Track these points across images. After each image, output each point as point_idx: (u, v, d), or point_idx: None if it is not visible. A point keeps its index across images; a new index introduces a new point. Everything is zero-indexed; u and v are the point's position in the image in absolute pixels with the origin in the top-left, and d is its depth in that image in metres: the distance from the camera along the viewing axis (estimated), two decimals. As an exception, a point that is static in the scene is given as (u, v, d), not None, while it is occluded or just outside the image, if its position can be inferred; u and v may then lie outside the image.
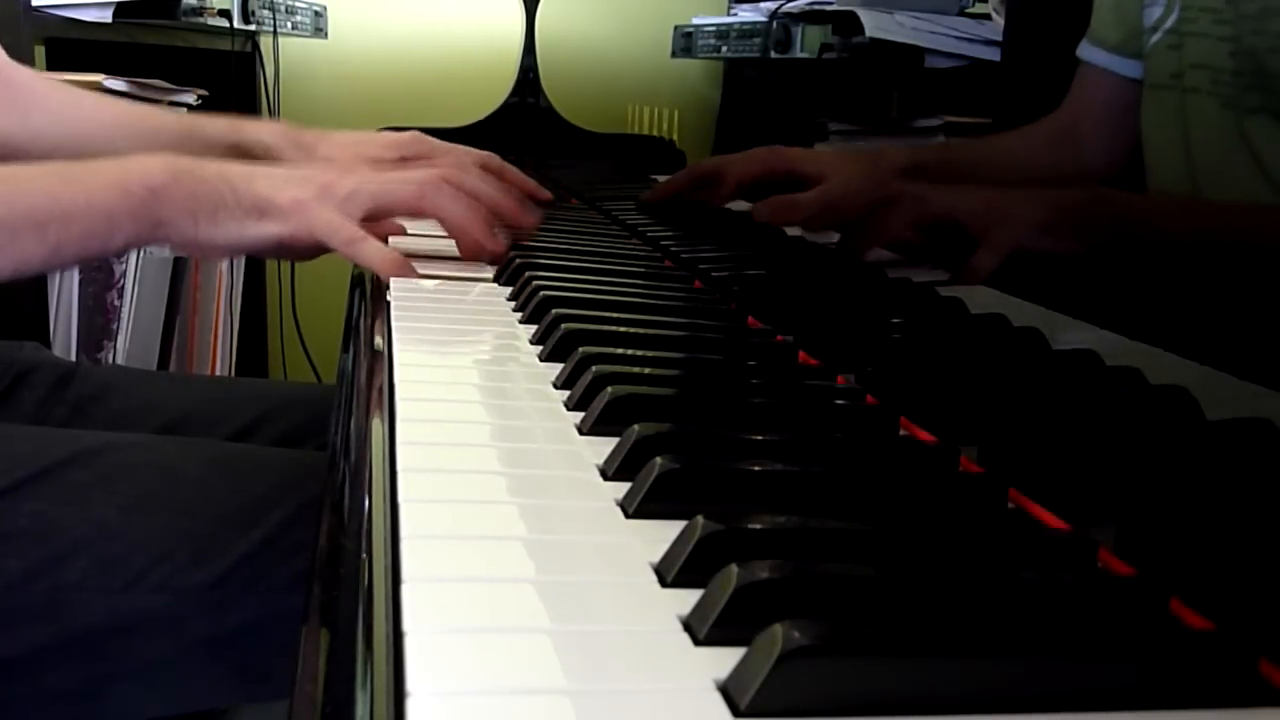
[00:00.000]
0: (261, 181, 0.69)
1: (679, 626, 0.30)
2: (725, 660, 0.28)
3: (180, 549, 0.67)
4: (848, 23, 1.55)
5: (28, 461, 0.68)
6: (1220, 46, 0.91)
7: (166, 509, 0.69)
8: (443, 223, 0.76)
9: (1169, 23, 0.97)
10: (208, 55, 1.90)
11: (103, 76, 1.45)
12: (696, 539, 0.32)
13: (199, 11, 1.64)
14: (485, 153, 0.95)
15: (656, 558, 0.33)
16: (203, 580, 0.67)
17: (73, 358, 1.52)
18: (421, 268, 0.72)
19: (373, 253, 0.70)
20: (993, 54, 1.51)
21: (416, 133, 0.95)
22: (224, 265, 1.85)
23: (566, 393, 0.49)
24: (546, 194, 0.99)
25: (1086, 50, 1.09)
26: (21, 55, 1.27)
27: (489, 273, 0.75)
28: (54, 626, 0.66)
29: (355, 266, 0.78)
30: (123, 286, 1.59)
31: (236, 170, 0.70)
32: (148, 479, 0.70)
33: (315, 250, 0.72)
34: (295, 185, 0.70)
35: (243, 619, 0.68)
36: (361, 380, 0.53)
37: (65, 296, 1.54)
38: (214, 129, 0.92)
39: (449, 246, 0.78)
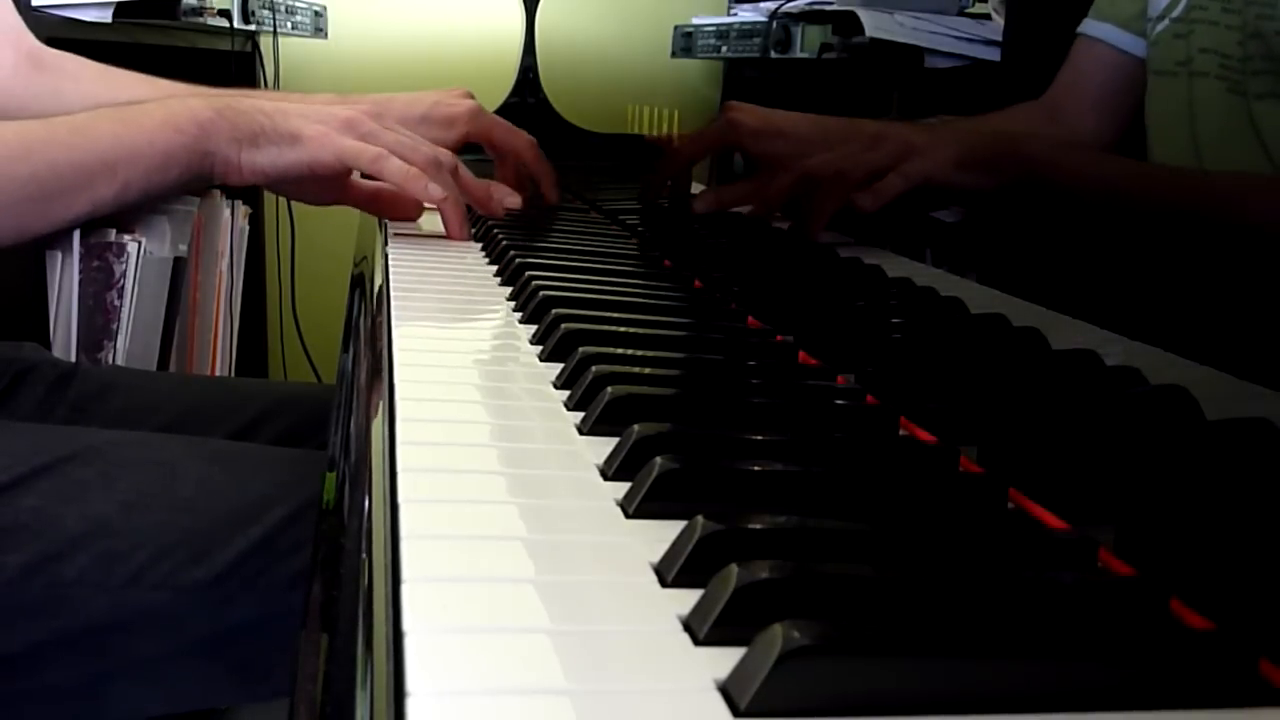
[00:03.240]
0: (293, 117, 0.79)
1: (679, 626, 0.30)
2: (725, 660, 0.28)
3: (180, 546, 0.67)
4: (848, 23, 1.55)
5: (28, 457, 0.68)
6: (1229, 34, 0.91)
7: (167, 506, 0.69)
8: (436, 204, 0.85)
9: (1176, 11, 0.98)
10: (208, 55, 1.89)
11: (103, 76, 1.45)
12: (696, 539, 0.32)
13: (199, 11, 1.64)
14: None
15: (656, 558, 0.33)
16: (203, 578, 0.67)
17: (72, 358, 1.52)
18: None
19: (395, 168, 0.80)
20: (993, 54, 1.50)
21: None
22: (224, 265, 1.85)
23: (566, 393, 0.49)
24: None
25: (1091, 25, 1.09)
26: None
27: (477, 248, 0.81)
28: (54, 623, 0.66)
29: (355, 266, 0.78)
30: (123, 286, 1.59)
31: (269, 105, 0.79)
32: (148, 476, 0.70)
33: (335, 182, 0.83)
34: (320, 119, 0.79)
35: (242, 617, 0.68)
36: (361, 380, 0.53)
37: (65, 296, 1.54)
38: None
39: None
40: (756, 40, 1.79)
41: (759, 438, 0.42)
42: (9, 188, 0.69)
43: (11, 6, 0.97)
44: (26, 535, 0.66)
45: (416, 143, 0.82)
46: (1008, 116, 1.12)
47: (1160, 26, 1.00)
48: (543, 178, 1.02)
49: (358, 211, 0.92)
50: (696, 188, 1.15)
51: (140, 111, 0.75)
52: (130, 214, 1.59)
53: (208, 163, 0.76)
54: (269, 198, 2.07)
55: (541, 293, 0.63)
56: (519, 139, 1.00)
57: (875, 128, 0.99)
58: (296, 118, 0.78)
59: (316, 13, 2.07)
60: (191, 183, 0.78)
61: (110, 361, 1.58)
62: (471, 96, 1.00)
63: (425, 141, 0.84)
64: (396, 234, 0.84)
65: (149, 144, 0.73)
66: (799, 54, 1.68)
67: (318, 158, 0.78)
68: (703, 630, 0.29)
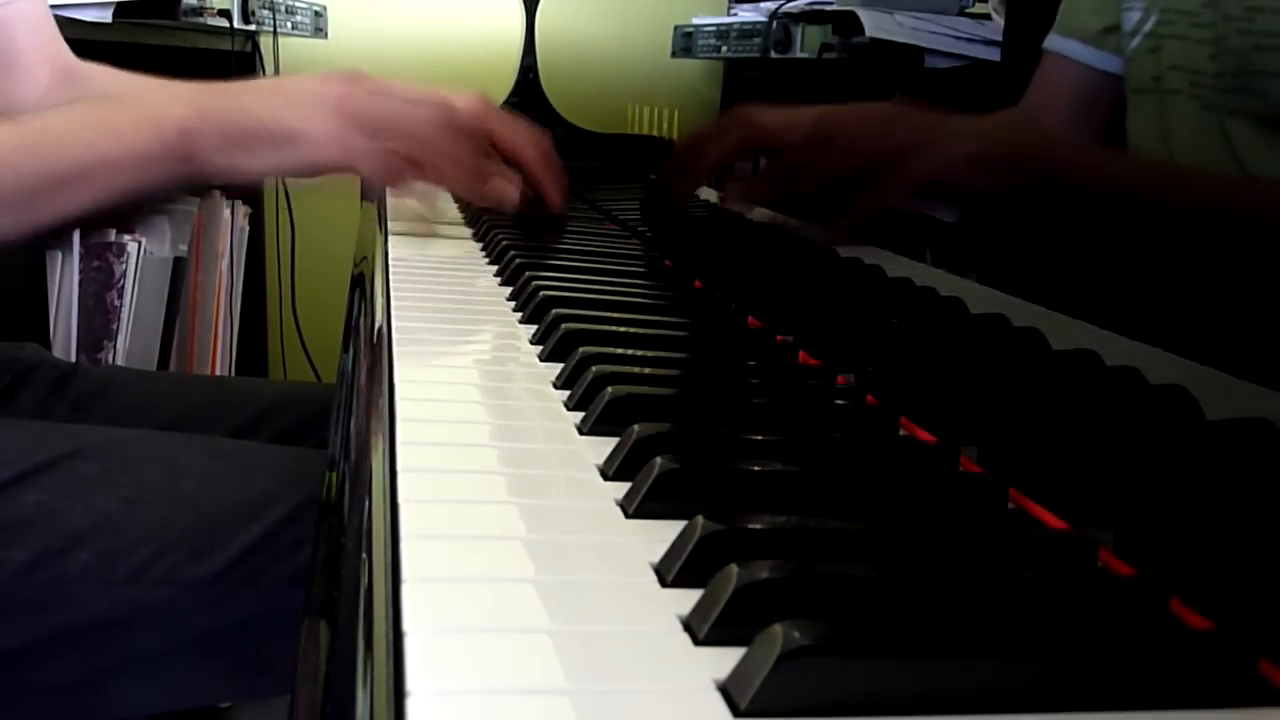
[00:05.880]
0: (285, 110, 0.73)
1: (679, 626, 0.30)
2: (725, 660, 0.28)
3: (182, 542, 0.67)
4: (848, 23, 1.55)
5: (30, 453, 0.69)
6: (1200, 49, 0.90)
7: (169, 502, 0.69)
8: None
9: (1147, 26, 0.97)
10: (208, 55, 1.90)
11: (103, 76, 1.45)
12: (696, 539, 0.32)
13: (199, 11, 1.64)
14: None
15: (656, 558, 0.33)
16: (204, 574, 0.67)
17: (72, 358, 1.52)
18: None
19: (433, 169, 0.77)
20: (993, 54, 1.51)
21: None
22: (224, 265, 1.85)
23: (566, 393, 0.49)
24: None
25: (1058, 41, 1.07)
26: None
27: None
28: (55, 618, 0.66)
29: (355, 266, 0.78)
30: (123, 286, 1.59)
31: (256, 100, 0.74)
32: (150, 472, 0.70)
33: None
34: (317, 110, 0.73)
35: (243, 613, 0.68)
36: (361, 380, 0.53)
37: (65, 296, 1.54)
38: None
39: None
40: (756, 40, 1.79)
41: (759, 438, 0.42)
42: None
43: (51, 19, 0.96)
44: (30, 530, 0.66)
45: (419, 117, 0.77)
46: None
47: (1134, 43, 0.99)
48: (544, 185, 0.90)
49: (358, 211, 0.92)
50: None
51: (120, 116, 0.72)
52: (130, 214, 1.59)
53: (193, 169, 0.73)
54: (269, 197, 2.07)
55: (541, 293, 0.63)
56: (520, 139, 0.88)
57: (889, 114, 0.95)
58: (290, 110, 0.73)
59: (316, 13, 2.07)
60: (182, 183, 0.74)
61: (110, 361, 1.58)
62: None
63: (423, 110, 0.78)
64: (396, 234, 0.84)
65: (126, 151, 0.70)
66: (799, 54, 1.68)
67: (326, 158, 0.74)
68: (703, 630, 0.29)
